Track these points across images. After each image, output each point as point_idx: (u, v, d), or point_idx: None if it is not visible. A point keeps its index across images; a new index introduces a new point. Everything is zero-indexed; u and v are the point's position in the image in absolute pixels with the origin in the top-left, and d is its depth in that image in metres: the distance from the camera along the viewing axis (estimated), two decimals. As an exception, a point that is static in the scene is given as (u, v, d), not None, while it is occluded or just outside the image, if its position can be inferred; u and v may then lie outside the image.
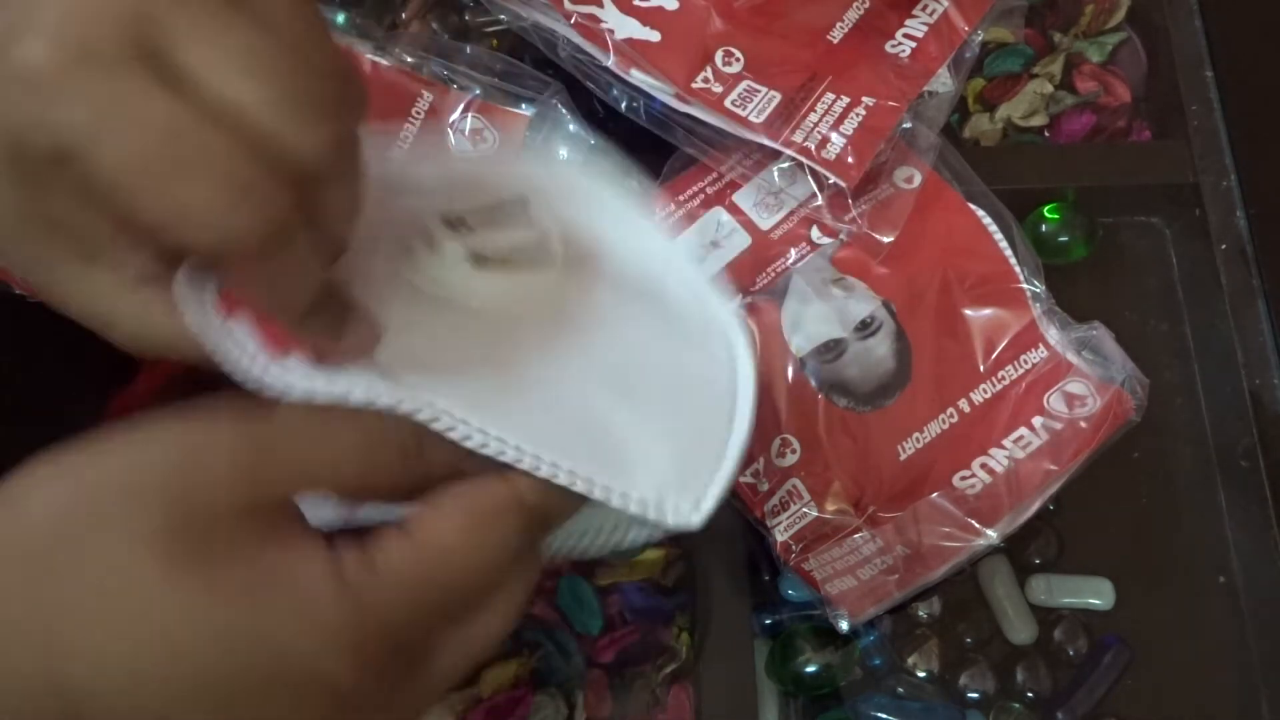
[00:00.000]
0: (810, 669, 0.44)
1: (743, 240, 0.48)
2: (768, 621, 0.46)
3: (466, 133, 0.47)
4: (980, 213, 0.46)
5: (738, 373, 0.34)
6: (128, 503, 0.24)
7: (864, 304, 0.46)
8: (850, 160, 0.44)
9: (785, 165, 0.47)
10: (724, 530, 0.45)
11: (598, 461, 0.29)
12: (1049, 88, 0.54)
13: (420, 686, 0.28)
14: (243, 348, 0.28)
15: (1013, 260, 0.46)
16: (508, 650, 0.44)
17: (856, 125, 0.45)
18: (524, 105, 0.47)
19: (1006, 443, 0.44)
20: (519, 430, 0.28)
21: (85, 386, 0.45)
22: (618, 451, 0.30)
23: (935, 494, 0.43)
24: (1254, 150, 0.51)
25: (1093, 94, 0.54)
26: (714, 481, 0.31)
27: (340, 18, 0.49)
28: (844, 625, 0.43)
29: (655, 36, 0.46)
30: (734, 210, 0.48)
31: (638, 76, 0.46)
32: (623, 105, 0.47)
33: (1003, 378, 0.45)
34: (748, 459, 0.44)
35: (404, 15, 0.53)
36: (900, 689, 0.45)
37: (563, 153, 0.46)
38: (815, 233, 0.47)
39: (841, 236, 0.47)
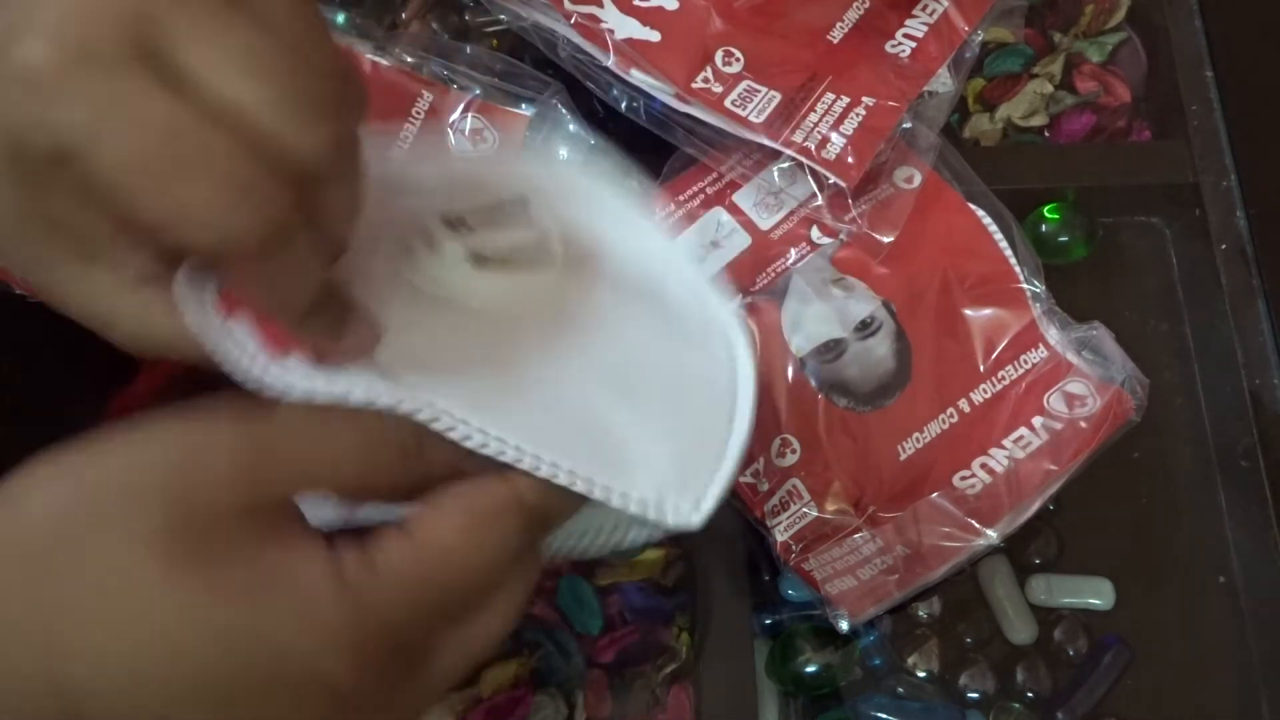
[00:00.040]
0: (810, 669, 0.44)
1: (743, 240, 0.48)
2: (768, 621, 0.46)
3: (466, 133, 0.47)
4: (980, 213, 0.46)
5: (738, 372, 0.34)
6: (128, 503, 0.24)
7: (864, 304, 0.46)
8: (850, 160, 0.44)
9: (785, 165, 0.47)
10: (724, 530, 0.45)
11: (598, 461, 0.29)
12: (1049, 88, 0.54)
13: (420, 686, 0.28)
14: (243, 348, 0.28)
15: (1013, 260, 0.46)
16: (508, 650, 0.44)
17: (856, 125, 0.45)
18: (524, 105, 0.47)
19: (1006, 443, 0.44)
20: (519, 430, 0.28)
21: (85, 386, 0.45)
22: (618, 451, 0.30)
23: (935, 494, 0.43)
24: (1254, 150, 0.51)
25: (1093, 94, 0.54)
26: (714, 481, 0.31)
27: (340, 18, 0.49)
28: (844, 625, 0.43)
29: (655, 36, 0.46)
30: (734, 210, 0.48)
31: (638, 76, 0.46)
32: (623, 105, 0.47)
33: (1003, 378, 0.45)
34: (748, 459, 0.44)
35: (404, 15, 0.53)
36: (900, 689, 0.45)
37: (563, 153, 0.46)
38: (815, 233, 0.47)
39: (841, 236, 0.47)
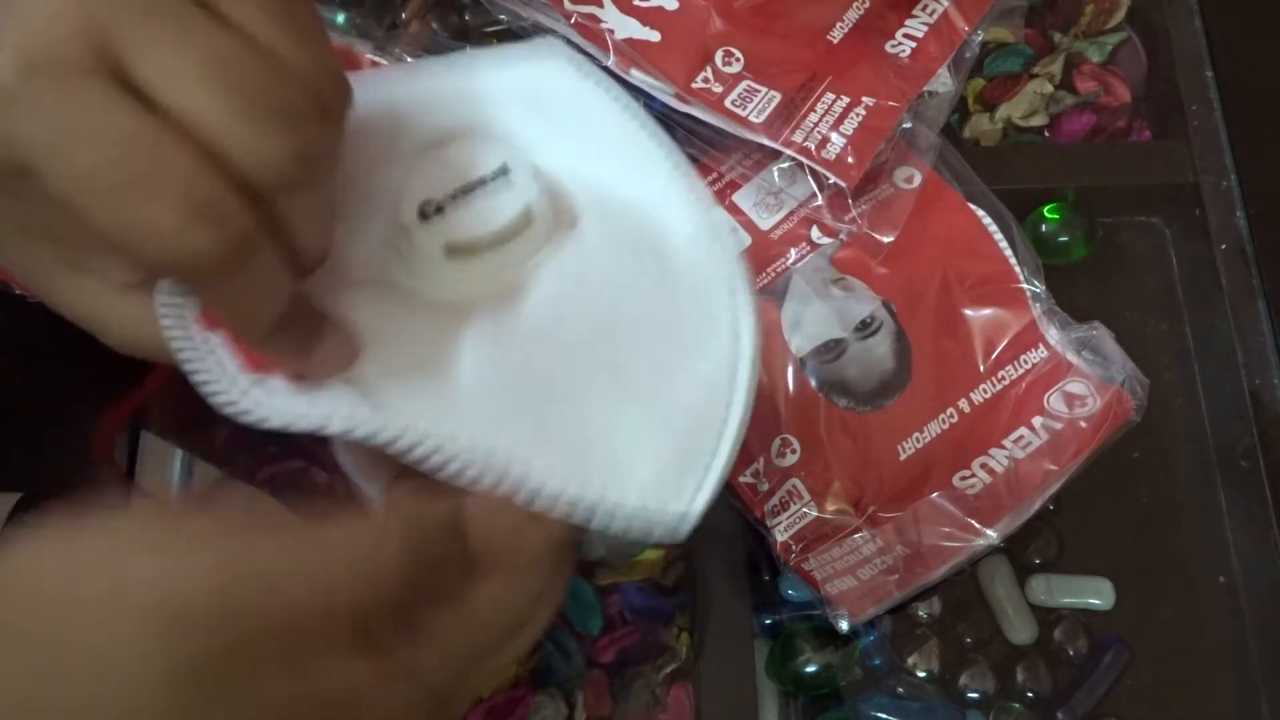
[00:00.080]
0: (810, 669, 0.44)
1: (743, 240, 0.48)
2: (768, 621, 0.46)
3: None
4: (980, 213, 0.46)
5: (737, 372, 0.31)
6: (158, 628, 0.22)
7: (864, 304, 0.46)
8: (850, 160, 0.44)
9: (785, 165, 0.47)
10: (724, 530, 0.45)
11: (592, 471, 0.28)
12: (1049, 88, 0.54)
13: (452, 713, 0.28)
14: (223, 368, 0.28)
15: (1013, 260, 0.46)
16: (508, 650, 0.44)
17: (856, 125, 0.45)
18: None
19: (1006, 443, 0.44)
20: (509, 441, 0.28)
21: (85, 386, 0.45)
22: (610, 456, 0.29)
23: (935, 494, 0.43)
24: (1254, 150, 0.51)
25: (1093, 94, 0.54)
26: (701, 490, 0.29)
27: (340, 18, 0.49)
28: (844, 625, 0.43)
29: (655, 36, 0.46)
30: (734, 210, 0.48)
31: (638, 76, 0.46)
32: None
33: (1003, 378, 0.45)
34: (747, 459, 0.45)
35: (404, 15, 0.53)
36: (900, 689, 0.45)
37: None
38: (815, 233, 0.47)
39: (841, 236, 0.47)
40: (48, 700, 0.21)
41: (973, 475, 0.44)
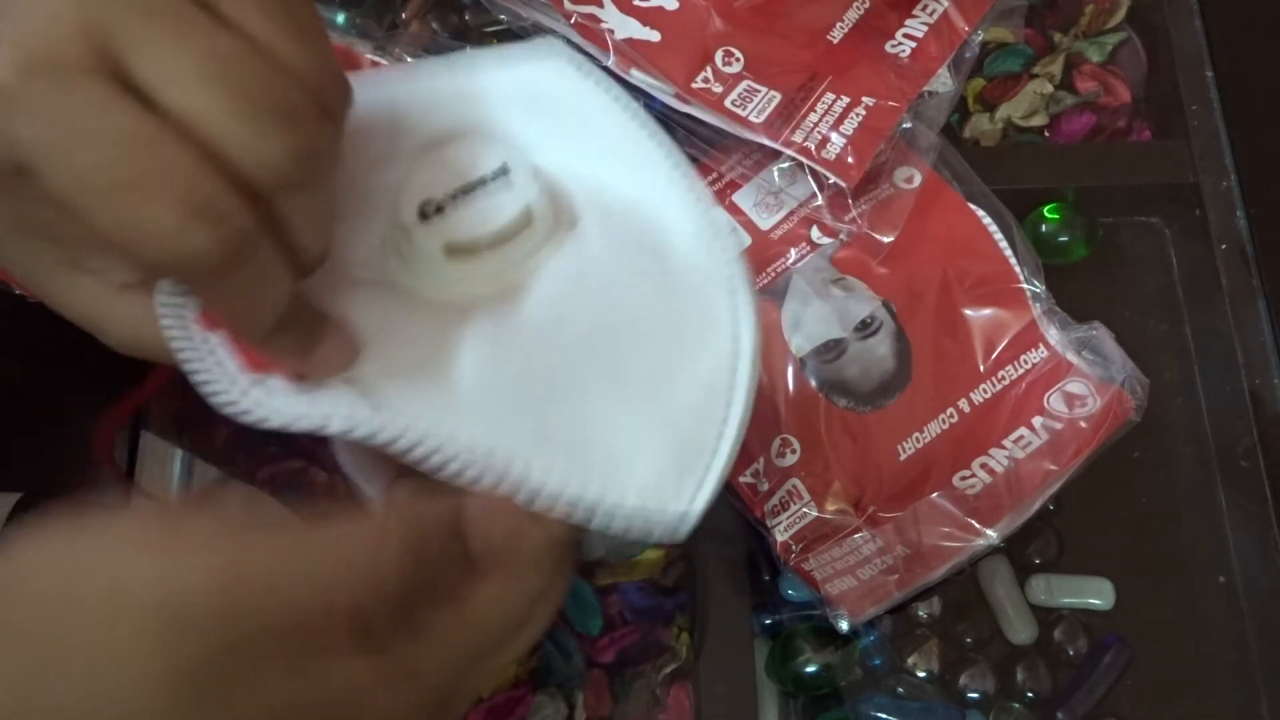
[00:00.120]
0: (810, 669, 0.44)
1: (743, 240, 0.48)
2: (768, 621, 0.46)
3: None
4: (980, 213, 0.46)
5: (737, 371, 0.31)
6: (156, 628, 0.22)
7: (864, 304, 0.46)
8: (850, 160, 0.44)
9: (785, 165, 0.47)
10: (724, 530, 0.45)
11: (591, 471, 0.28)
12: (1049, 88, 0.54)
13: (451, 714, 0.28)
14: (223, 368, 0.28)
15: (1013, 260, 0.46)
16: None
17: (856, 125, 0.45)
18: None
19: (1006, 443, 0.44)
20: (509, 440, 0.28)
21: (85, 386, 0.45)
22: (609, 456, 0.29)
23: (935, 494, 0.43)
24: (1254, 150, 0.51)
25: (1093, 94, 0.54)
26: (700, 492, 0.29)
27: (340, 18, 0.49)
28: (844, 625, 0.43)
29: (655, 36, 0.46)
30: (734, 210, 0.48)
31: (638, 76, 0.46)
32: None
33: (1003, 378, 0.45)
34: (747, 459, 0.45)
35: (404, 15, 0.53)
36: (900, 689, 0.45)
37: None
38: (815, 233, 0.47)
39: (841, 236, 0.47)
40: (48, 701, 0.21)
41: (973, 475, 0.44)
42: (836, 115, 0.45)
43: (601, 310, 0.31)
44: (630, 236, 0.32)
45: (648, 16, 0.47)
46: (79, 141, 0.22)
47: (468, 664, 0.27)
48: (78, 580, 0.23)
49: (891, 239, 0.46)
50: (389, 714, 0.25)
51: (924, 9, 0.49)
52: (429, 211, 0.30)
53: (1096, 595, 0.46)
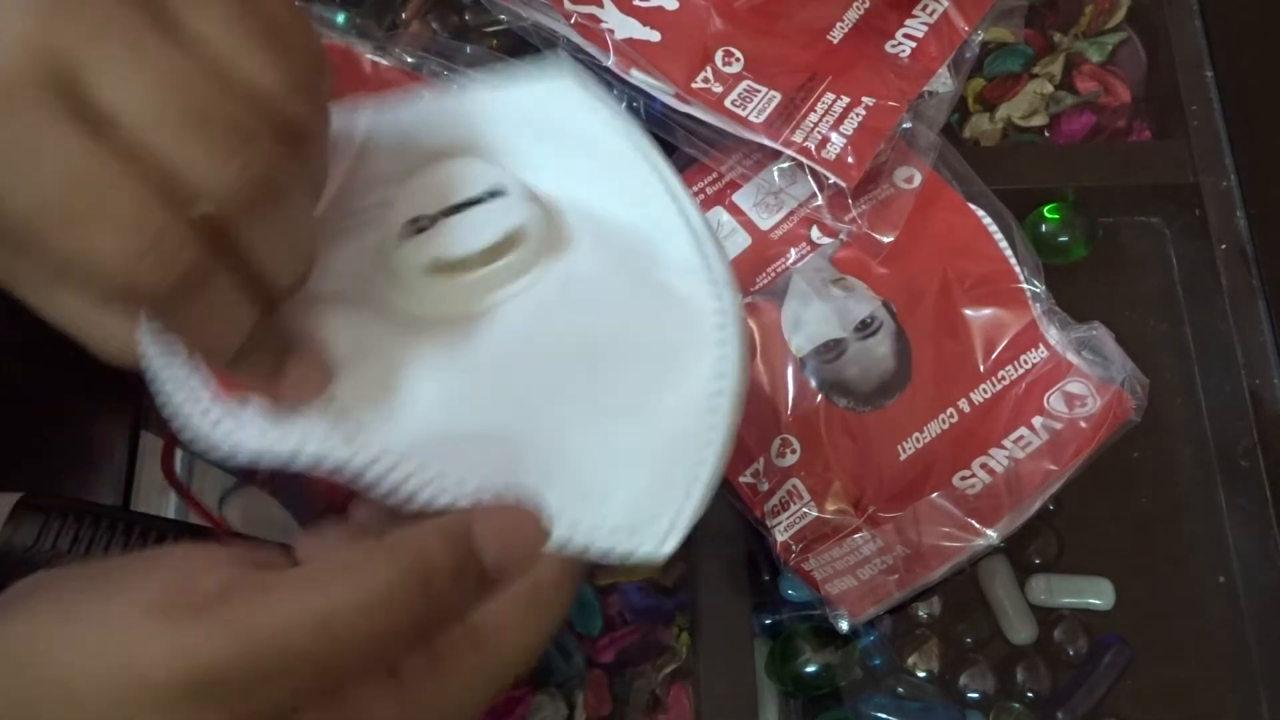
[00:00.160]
0: (810, 669, 0.44)
1: (743, 240, 0.48)
2: (768, 621, 0.46)
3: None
4: (980, 213, 0.46)
5: (723, 384, 0.30)
6: (176, 706, 0.22)
7: (864, 304, 0.46)
8: (850, 160, 0.44)
9: (785, 165, 0.47)
10: (724, 530, 0.45)
11: (564, 507, 0.28)
12: (1049, 88, 0.54)
13: None
14: (196, 398, 0.28)
15: (1013, 260, 0.46)
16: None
17: (856, 125, 0.45)
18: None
19: (1006, 443, 0.44)
20: (482, 467, 0.27)
21: (85, 386, 0.45)
22: (587, 481, 0.28)
23: (935, 494, 0.43)
24: (1254, 150, 0.51)
25: (1093, 94, 0.54)
26: (681, 515, 0.28)
27: (340, 18, 0.49)
28: (844, 625, 0.43)
29: (655, 36, 0.46)
30: (734, 210, 0.48)
31: (638, 76, 0.46)
32: (623, 105, 0.47)
33: (1003, 378, 0.45)
34: (748, 459, 0.45)
35: (404, 15, 0.53)
36: (900, 689, 0.45)
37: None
38: (815, 233, 0.47)
39: (841, 236, 0.47)
40: None
41: (973, 475, 0.44)
42: (836, 115, 0.45)
43: (585, 339, 0.30)
44: (622, 264, 0.32)
45: (648, 16, 0.47)
46: (29, 170, 0.22)
47: (487, 689, 0.27)
48: (81, 663, 0.22)
49: (891, 239, 0.46)
50: None
51: (924, 9, 0.49)
52: (419, 227, 0.30)
53: (1096, 595, 0.46)
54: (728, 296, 0.31)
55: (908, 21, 0.49)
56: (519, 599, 0.27)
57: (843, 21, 0.49)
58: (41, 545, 0.35)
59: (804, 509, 0.43)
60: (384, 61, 0.47)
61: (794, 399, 0.45)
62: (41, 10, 0.22)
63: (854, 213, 0.46)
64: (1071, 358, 0.44)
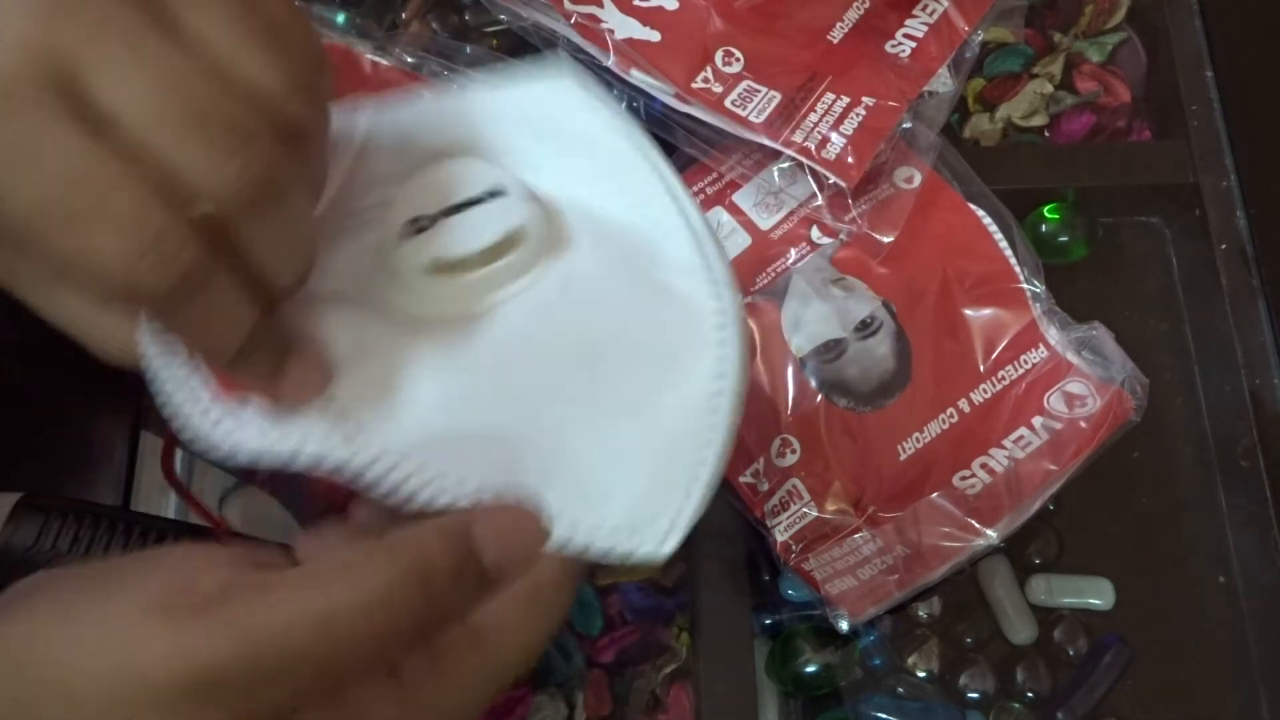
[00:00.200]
0: (810, 669, 0.44)
1: (743, 240, 0.48)
2: (768, 621, 0.46)
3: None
4: (980, 213, 0.46)
5: (723, 386, 0.30)
6: (176, 706, 0.22)
7: (864, 304, 0.46)
8: (850, 160, 0.44)
9: (785, 165, 0.47)
10: (724, 530, 0.45)
11: (564, 507, 0.28)
12: (1049, 88, 0.54)
13: None
14: (196, 399, 0.28)
15: (1013, 260, 0.46)
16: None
17: (856, 125, 0.45)
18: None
19: (1006, 443, 0.44)
20: (481, 467, 0.27)
21: (85, 386, 0.45)
22: (586, 482, 0.28)
23: (935, 494, 0.43)
24: (1254, 150, 0.51)
25: (1093, 94, 0.54)
26: (680, 516, 0.28)
27: (340, 18, 0.49)
28: (844, 625, 0.43)
29: (655, 36, 0.46)
30: (734, 210, 0.48)
31: (638, 76, 0.46)
32: (623, 105, 0.47)
33: (1003, 378, 0.45)
34: (748, 459, 0.45)
35: (404, 15, 0.53)
36: (900, 689, 0.45)
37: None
38: (815, 233, 0.47)
39: (841, 236, 0.47)
40: None
41: (973, 475, 0.44)
42: (836, 115, 0.45)
43: (585, 339, 0.30)
44: (622, 264, 0.32)
45: (648, 16, 0.47)
46: (29, 170, 0.22)
47: (487, 689, 0.27)
48: (81, 663, 0.22)
49: (891, 239, 0.46)
50: None
51: (924, 9, 0.49)
52: (420, 226, 0.30)
53: (1096, 595, 0.46)
54: (728, 296, 0.31)
55: (908, 21, 0.49)
56: (519, 599, 0.27)
57: (843, 21, 0.49)
58: (41, 545, 0.35)
59: (804, 509, 0.43)
60: (384, 61, 0.47)
61: (794, 399, 0.45)
62: (42, 10, 0.22)
63: (854, 213, 0.46)
64: (1071, 358, 0.44)
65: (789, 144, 0.45)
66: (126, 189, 0.22)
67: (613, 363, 0.30)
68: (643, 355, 0.30)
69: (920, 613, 0.46)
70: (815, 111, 0.45)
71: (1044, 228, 0.51)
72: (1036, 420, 0.44)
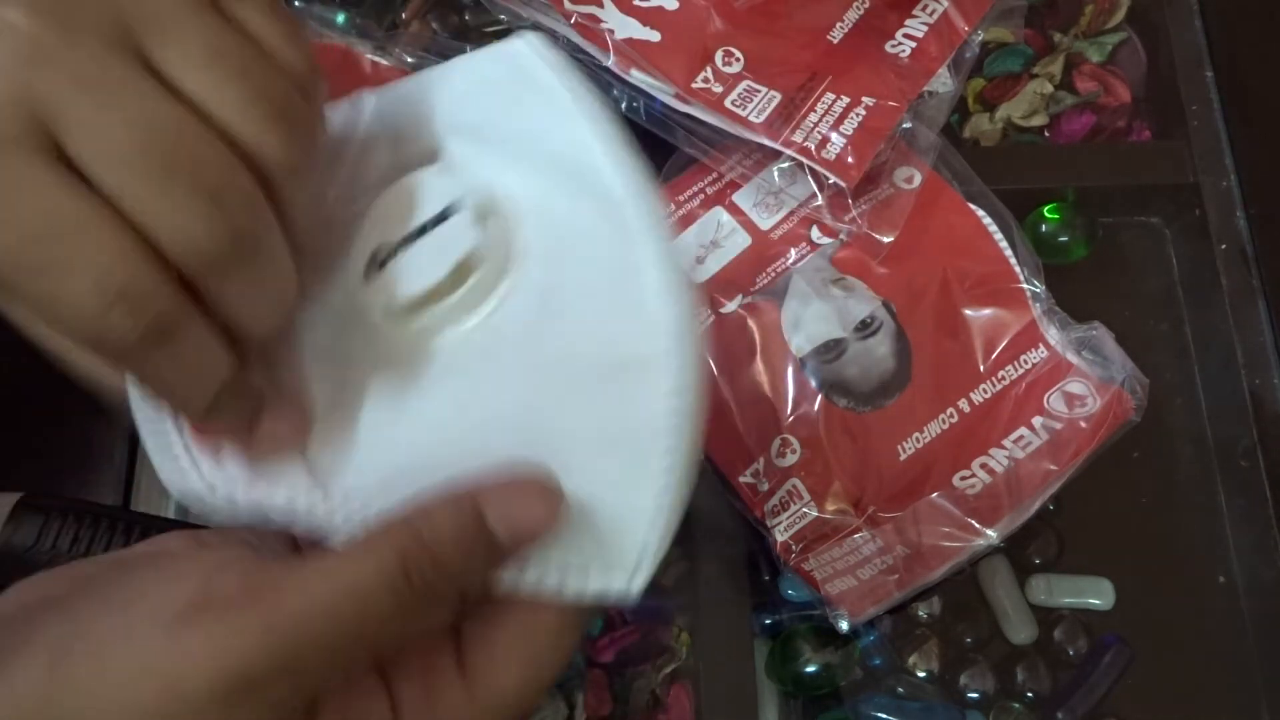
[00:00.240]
0: (810, 669, 0.44)
1: (743, 240, 0.48)
2: (768, 621, 0.46)
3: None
4: (980, 213, 0.46)
5: (679, 403, 0.27)
6: (223, 702, 0.22)
7: (864, 304, 0.46)
8: (850, 160, 0.44)
9: (785, 165, 0.47)
10: (724, 530, 0.45)
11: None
12: (1049, 88, 0.54)
13: None
14: (188, 449, 0.27)
15: (1013, 260, 0.46)
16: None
17: (856, 125, 0.45)
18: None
19: (1006, 443, 0.44)
20: None
21: (85, 387, 0.45)
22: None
23: (935, 494, 0.43)
24: (1254, 150, 0.51)
25: (1093, 94, 0.54)
26: (635, 578, 0.27)
27: (340, 18, 0.49)
28: (844, 625, 0.43)
29: (655, 36, 0.46)
30: (734, 210, 0.48)
31: (638, 76, 0.46)
32: (623, 105, 0.47)
33: (1003, 378, 0.45)
34: (748, 459, 0.45)
35: (404, 15, 0.53)
36: (900, 689, 0.45)
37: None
38: (815, 233, 0.47)
39: (841, 236, 0.47)
40: None
41: (973, 475, 0.44)
42: (836, 115, 0.45)
43: (551, 359, 0.29)
44: (577, 269, 0.29)
45: (648, 16, 0.47)
46: (4, 214, 0.22)
47: None
48: (113, 694, 0.22)
49: (891, 239, 0.46)
50: None
51: (924, 9, 0.49)
52: (380, 260, 0.29)
53: (1096, 595, 0.46)
54: (685, 304, 0.28)
55: (908, 21, 0.49)
56: (515, 665, 0.26)
57: (843, 21, 0.49)
58: (41, 545, 0.35)
59: (804, 509, 0.43)
60: (384, 61, 0.48)
61: (794, 399, 0.45)
62: (22, 56, 0.22)
63: (854, 213, 0.46)
64: (1071, 358, 0.44)
65: (789, 144, 0.45)
66: (98, 236, 0.22)
67: (570, 388, 0.28)
68: (598, 375, 0.28)
69: (920, 613, 0.46)
70: (815, 111, 0.45)
71: (1044, 228, 0.51)
72: (1036, 420, 0.44)
